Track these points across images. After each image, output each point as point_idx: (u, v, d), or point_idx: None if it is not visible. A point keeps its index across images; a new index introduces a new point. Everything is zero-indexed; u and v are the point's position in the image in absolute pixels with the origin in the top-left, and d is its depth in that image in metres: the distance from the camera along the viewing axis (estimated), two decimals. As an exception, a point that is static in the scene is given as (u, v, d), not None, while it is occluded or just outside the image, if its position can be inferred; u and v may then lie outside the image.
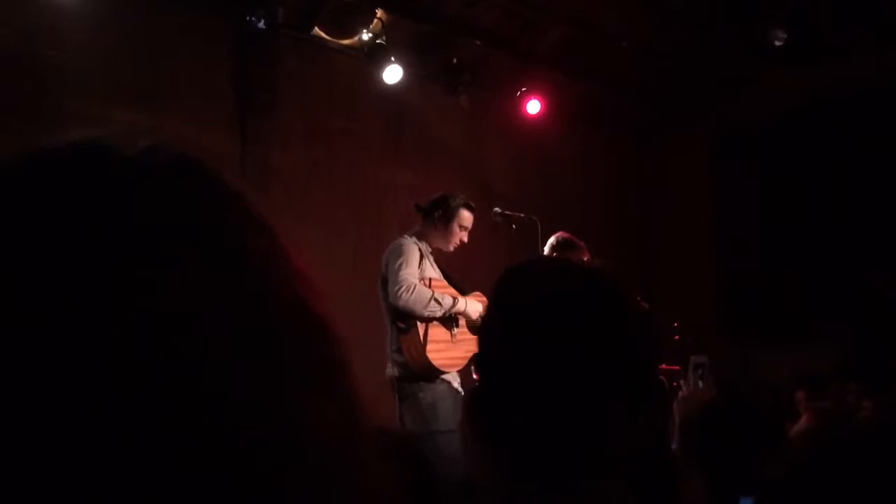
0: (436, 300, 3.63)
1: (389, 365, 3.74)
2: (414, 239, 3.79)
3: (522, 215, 3.90)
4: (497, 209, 3.80)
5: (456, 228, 3.80)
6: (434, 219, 3.81)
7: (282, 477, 0.37)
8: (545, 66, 6.29)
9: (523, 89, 6.23)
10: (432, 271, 3.82)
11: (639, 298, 4.86)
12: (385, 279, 3.71)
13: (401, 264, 3.64)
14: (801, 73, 6.10)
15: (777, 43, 5.70)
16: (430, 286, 3.67)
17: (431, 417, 3.55)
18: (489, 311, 1.11)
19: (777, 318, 6.41)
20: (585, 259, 4.06)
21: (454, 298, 3.70)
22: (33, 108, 4.40)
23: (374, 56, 5.49)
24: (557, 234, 4.10)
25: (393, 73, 5.51)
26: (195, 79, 5.15)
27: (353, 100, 5.83)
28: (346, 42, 5.73)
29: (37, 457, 0.33)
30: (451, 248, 3.85)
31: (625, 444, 1.00)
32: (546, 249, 4.02)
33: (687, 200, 7.24)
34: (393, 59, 5.47)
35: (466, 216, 3.81)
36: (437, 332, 3.69)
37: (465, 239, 3.85)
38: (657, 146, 7.53)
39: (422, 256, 3.76)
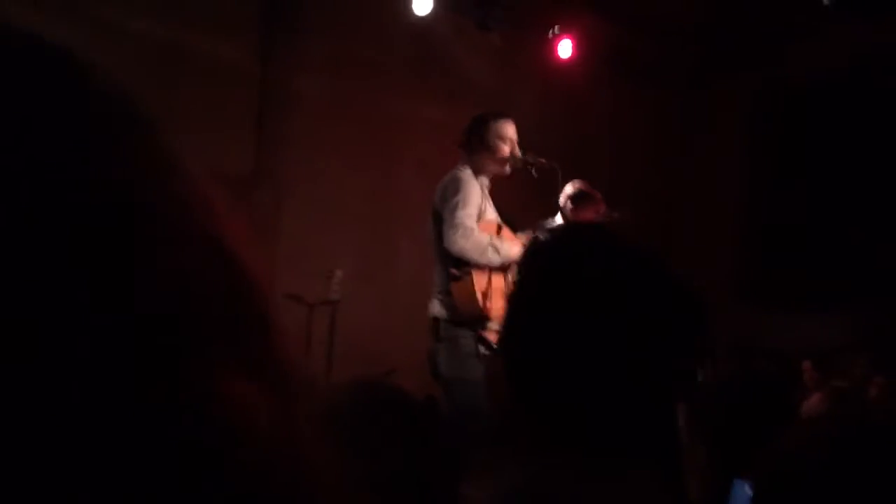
0: (494, 248, 3.40)
1: (434, 303, 3.53)
2: (470, 172, 3.54)
3: (544, 161, 3.77)
4: (518, 153, 3.67)
5: (500, 144, 3.58)
6: (475, 145, 3.59)
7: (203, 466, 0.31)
8: (581, 7, 6.07)
9: (556, 29, 6.02)
10: (492, 211, 3.61)
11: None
12: (438, 213, 3.47)
13: (458, 203, 3.39)
14: (850, 30, 5.85)
15: (825, 2, 5.45)
16: (493, 230, 3.48)
17: (469, 366, 3.35)
18: (521, 285, 1.04)
19: (796, 284, 6.30)
20: (602, 211, 3.96)
21: (512, 245, 3.47)
22: (51, 8, 4.28)
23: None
24: (574, 184, 3.99)
25: (423, 4, 5.32)
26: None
27: (381, 30, 5.66)
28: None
29: None
30: (509, 169, 3.64)
31: (662, 429, 0.95)
32: (561, 199, 3.91)
33: (718, 159, 7.07)
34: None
35: (505, 126, 3.61)
36: (491, 279, 3.45)
37: (517, 151, 3.63)
38: (692, 101, 7.31)
39: (482, 195, 3.55)
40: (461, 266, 3.43)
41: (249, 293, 0.36)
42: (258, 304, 0.37)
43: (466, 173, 3.52)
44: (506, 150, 3.60)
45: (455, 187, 3.44)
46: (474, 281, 3.42)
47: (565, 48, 6.06)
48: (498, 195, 3.81)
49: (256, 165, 5.14)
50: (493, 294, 3.44)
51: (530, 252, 1.06)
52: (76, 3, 4.47)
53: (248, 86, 5.13)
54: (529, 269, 1.03)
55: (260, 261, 0.38)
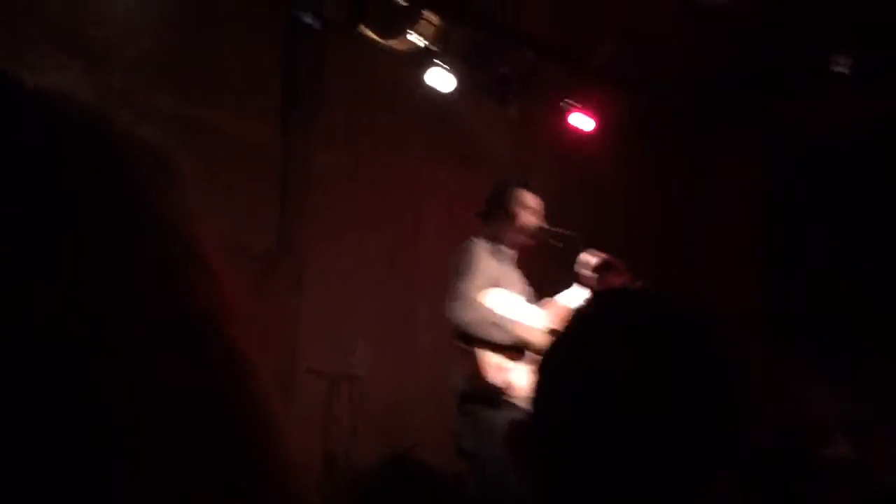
0: (496, 325, 3.26)
1: (451, 377, 3.43)
2: (485, 243, 3.45)
3: (566, 231, 3.75)
4: (541, 223, 3.65)
5: (522, 212, 3.49)
6: (496, 213, 3.51)
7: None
8: (597, 80, 6.17)
9: (570, 101, 6.11)
10: (517, 283, 3.48)
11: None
12: (450, 285, 3.37)
13: (463, 274, 3.30)
14: (864, 94, 5.88)
15: (840, 70, 5.50)
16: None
17: (491, 441, 3.15)
18: (561, 341, 1.01)
19: (829, 346, 6.16)
20: (626, 281, 3.92)
21: (525, 327, 3.32)
22: (82, 86, 4.39)
23: (424, 60, 5.41)
24: (594, 253, 3.96)
25: (445, 81, 5.38)
26: (240, 69, 5.11)
27: (399, 101, 5.76)
28: (393, 42, 5.66)
29: None
30: (533, 239, 3.54)
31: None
32: (581, 269, 3.88)
33: (737, 224, 7.05)
34: (444, 65, 5.37)
35: (526, 196, 3.52)
36: (506, 353, 3.30)
37: (541, 221, 3.54)
38: (707, 159, 7.33)
39: (497, 264, 3.45)
40: (470, 338, 3.31)
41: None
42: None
43: (478, 244, 3.44)
44: (527, 218, 3.55)
45: (463, 258, 3.37)
46: (484, 354, 3.30)
47: (582, 119, 6.13)
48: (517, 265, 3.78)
49: (280, 239, 5.17)
50: (512, 368, 3.32)
51: (576, 325, 1.03)
52: (104, 75, 4.58)
53: (271, 160, 5.21)
54: (552, 369, 0.99)
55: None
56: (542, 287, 3.81)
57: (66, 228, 0.32)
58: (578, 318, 1.00)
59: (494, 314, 3.31)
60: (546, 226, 3.62)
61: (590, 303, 1.05)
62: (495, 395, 3.30)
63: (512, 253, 3.60)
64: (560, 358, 0.98)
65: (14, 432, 0.29)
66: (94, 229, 0.33)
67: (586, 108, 6.13)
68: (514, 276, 3.58)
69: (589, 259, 3.81)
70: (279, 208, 5.19)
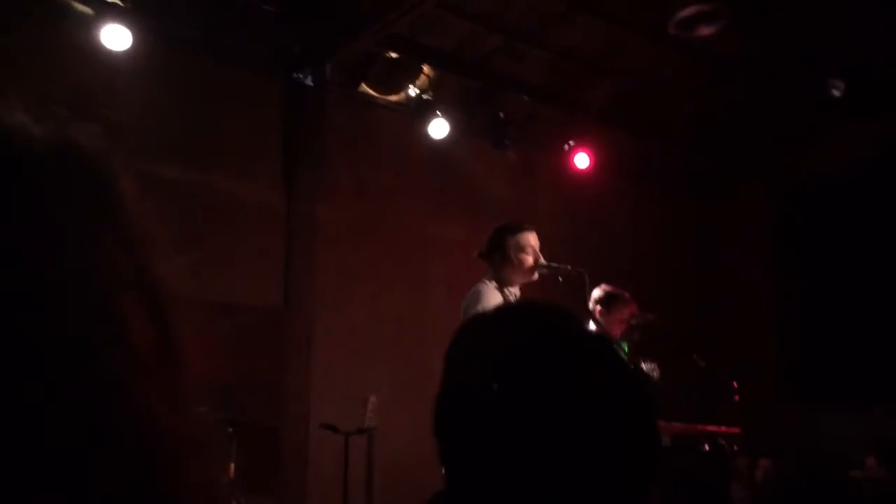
0: None
1: None
2: (492, 285, 3.57)
3: (569, 267, 3.76)
4: (542, 261, 3.68)
5: (522, 255, 3.60)
6: (497, 258, 3.63)
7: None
8: (594, 121, 6.22)
9: (571, 143, 6.15)
10: None
11: (695, 356, 4.66)
12: None
13: (472, 313, 3.38)
14: (865, 123, 5.89)
15: (836, 93, 5.52)
16: None
17: None
18: (445, 383, 0.94)
19: (844, 377, 6.06)
20: (634, 311, 3.89)
21: None
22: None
23: (421, 111, 5.50)
24: (602, 287, 3.94)
25: (439, 128, 5.50)
26: (243, 135, 5.21)
27: (401, 155, 5.83)
28: (393, 98, 5.76)
29: None
30: (535, 276, 3.63)
31: None
32: (591, 304, 3.86)
33: (745, 256, 7.00)
34: (439, 113, 5.46)
35: (525, 237, 3.63)
36: None
37: (541, 259, 3.64)
38: (713, 200, 7.34)
39: (504, 301, 3.50)
40: None
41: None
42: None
43: (488, 286, 3.54)
44: (528, 260, 3.61)
45: (474, 300, 3.47)
46: None
47: (582, 160, 6.17)
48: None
49: (287, 296, 5.19)
50: None
51: (466, 330, 0.97)
52: (111, 152, 4.66)
53: (275, 219, 5.26)
54: (464, 348, 0.95)
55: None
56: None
57: None
58: (478, 320, 0.96)
59: None
60: (544, 262, 3.65)
61: (493, 310, 0.99)
62: None
63: (517, 291, 3.62)
64: (459, 357, 0.93)
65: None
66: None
67: (586, 148, 6.17)
68: None
69: (595, 293, 3.80)
70: (285, 265, 5.21)
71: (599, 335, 0.91)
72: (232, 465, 3.63)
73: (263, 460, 4.35)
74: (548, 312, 0.92)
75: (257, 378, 4.54)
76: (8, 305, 0.32)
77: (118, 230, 0.39)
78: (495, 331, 0.92)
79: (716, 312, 6.94)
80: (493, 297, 3.49)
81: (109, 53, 4.52)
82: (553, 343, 0.87)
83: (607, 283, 4.17)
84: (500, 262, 3.64)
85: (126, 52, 4.54)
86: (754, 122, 6.47)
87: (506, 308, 0.98)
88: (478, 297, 3.48)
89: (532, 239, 3.67)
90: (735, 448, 4.27)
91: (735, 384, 4.77)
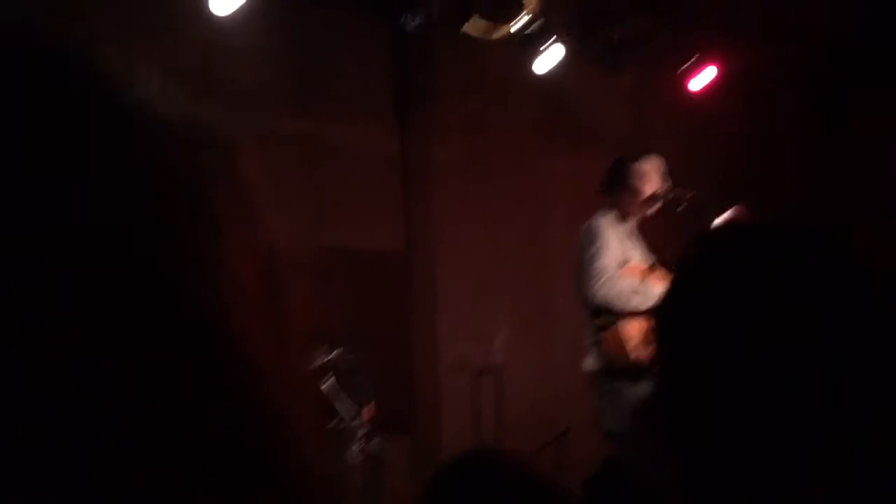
0: (638, 292, 3.25)
1: (588, 358, 3.44)
2: (611, 217, 3.47)
3: (693, 193, 3.61)
4: (665, 188, 3.55)
5: (642, 184, 3.47)
6: (617, 189, 3.52)
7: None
8: (715, 34, 5.87)
9: (691, 61, 5.85)
10: (641, 254, 3.47)
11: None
12: (581, 266, 3.38)
13: (595, 252, 3.32)
14: None
15: None
16: (636, 272, 3.33)
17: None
18: (672, 290, 0.86)
19: None
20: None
21: (660, 283, 3.28)
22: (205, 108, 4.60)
23: (532, 39, 5.34)
24: (734, 211, 3.77)
25: (550, 58, 5.33)
26: (354, 82, 5.23)
27: (510, 89, 5.72)
28: (501, 33, 5.62)
29: None
30: (656, 206, 3.52)
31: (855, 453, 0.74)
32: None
33: (887, 178, 6.52)
34: (550, 41, 5.29)
35: (646, 165, 3.51)
36: (641, 324, 3.28)
37: (664, 181, 3.50)
38: (835, 108, 6.82)
39: (621, 234, 3.44)
40: (606, 315, 3.30)
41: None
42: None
43: (604, 220, 3.45)
44: (650, 188, 3.49)
45: (591, 236, 3.38)
46: (622, 329, 3.29)
47: (700, 79, 5.87)
48: (645, 235, 3.67)
49: (407, 239, 5.26)
50: (648, 340, 3.28)
51: (687, 255, 0.88)
52: (235, 108, 4.81)
53: (391, 162, 5.30)
54: (687, 274, 0.87)
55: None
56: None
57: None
58: (687, 262, 0.87)
59: (633, 283, 3.30)
60: (668, 186, 3.52)
61: (693, 246, 0.90)
62: (636, 369, 3.23)
63: (633, 222, 3.53)
64: (678, 311, 0.84)
65: None
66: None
67: (706, 64, 5.86)
68: (638, 244, 3.51)
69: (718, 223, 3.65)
70: (403, 208, 5.27)
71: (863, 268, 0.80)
72: (373, 404, 3.77)
73: (398, 400, 4.49)
74: (819, 236, 0.83)
75: (387, 321, 4.65)
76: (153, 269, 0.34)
77: (238, 203, 0.39)
78: (758, 248, 0.83)
79: (852, 221, 6.53)
80: (609, 232, 3.41)
81: (219, 18, 4.60)
82: (836, 268, 0.79)
83: (733, 209, 3.99)
84: (619, 191, 3.54)
85: (235, 13, 4.62)
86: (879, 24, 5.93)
87: (770, 226, 0.87)
88: (594, 233, 3.41)
89: (653, 166, 3.54)
90: None
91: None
